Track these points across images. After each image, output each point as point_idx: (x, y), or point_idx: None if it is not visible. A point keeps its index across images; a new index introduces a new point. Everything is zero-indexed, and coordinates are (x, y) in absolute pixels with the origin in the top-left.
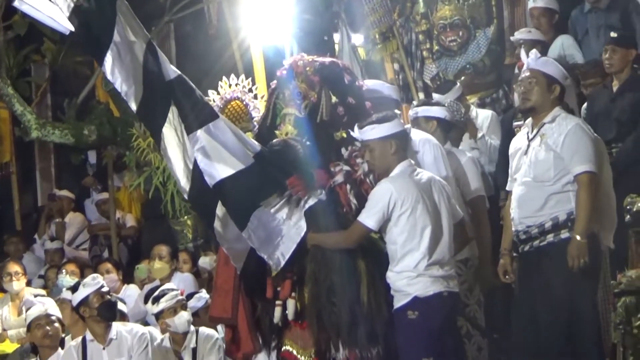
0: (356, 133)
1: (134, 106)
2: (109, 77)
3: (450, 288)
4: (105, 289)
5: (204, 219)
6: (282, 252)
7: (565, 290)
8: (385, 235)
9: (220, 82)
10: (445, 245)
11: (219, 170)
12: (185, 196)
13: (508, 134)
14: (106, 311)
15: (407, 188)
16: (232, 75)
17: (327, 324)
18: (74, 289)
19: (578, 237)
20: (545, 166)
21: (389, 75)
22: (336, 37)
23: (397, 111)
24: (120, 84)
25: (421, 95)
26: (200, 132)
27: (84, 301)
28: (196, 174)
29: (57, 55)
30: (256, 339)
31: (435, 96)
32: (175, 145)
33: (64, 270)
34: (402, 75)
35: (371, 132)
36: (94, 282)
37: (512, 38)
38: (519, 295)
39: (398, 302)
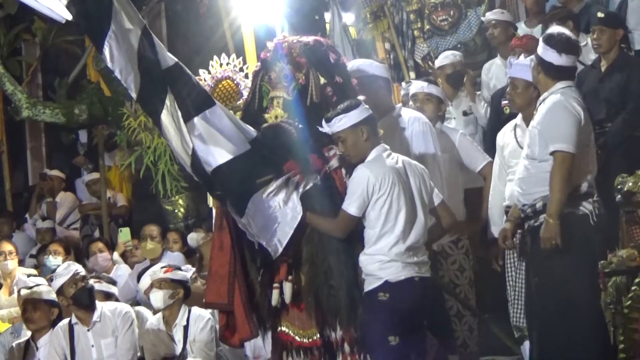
0: (325, 127)
1: (134, 94)
2: (109, 64)
3: (421, 273)
4: (80, 276)
5: (215, 197)
6: (280, 239)
7: (558, 270)
8: (364, 221)
9: (211, 62)
10: (420, 230)
11: (216, 156)
12: (196, 178)
13: (497, 112)
14: (80, 299)
15: (384, 172)
16: (223, 55)
17: (324, 307)
18: (50, 279)
19: (550, 220)
20: (533, 144)
21: (380, 55)
22: (327, 16)
23: (360, 97)
24: (119, 72)
25: (412, 75)
26: (197, 120)
27: (60, 291)
28: (195, 160)
29: (48, 34)
30: (253, 323)
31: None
32: (173, 132)
33: (49, 252)
34: (393, 55)
35: (340, 123)
36: (66, 272)
37: (483, 19)
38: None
39: (369, 285)
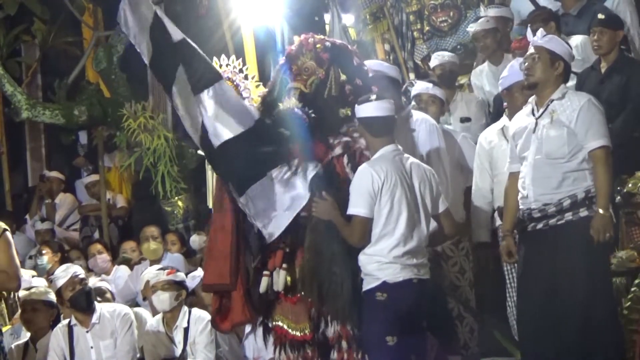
0: (357, 111)
1: (146, 59)
2: (124, 29)
3: (420, 275)
4: (78, 278)
5: (219, 172)
6: (278, 225)
7: (585, 268)
8: None
9: None
10: (421, 234)
11: (223, 131)
12: (203, 152)
13: (498, 114)
14: (78, 303)
15: (386, 170)
16: (223, 56)
17: (325, 296)
18: (49, 280)
19: (602, 211)
20: (559, 143)
21: (380, 56)
22: (327, 17)
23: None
24: (134, 37)
25: (412, 76)
26: (204, 94)
27: (58, 293)
28: (204, 132)
29: (48, 35)
30: (249, 308)
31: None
32: (184, 103)
33: (39, 253)
34: (392, 56)
35: (360, 111)
36: (64, 274)
37: (470, 30)
38: (527, 272)
39: (368, 285)
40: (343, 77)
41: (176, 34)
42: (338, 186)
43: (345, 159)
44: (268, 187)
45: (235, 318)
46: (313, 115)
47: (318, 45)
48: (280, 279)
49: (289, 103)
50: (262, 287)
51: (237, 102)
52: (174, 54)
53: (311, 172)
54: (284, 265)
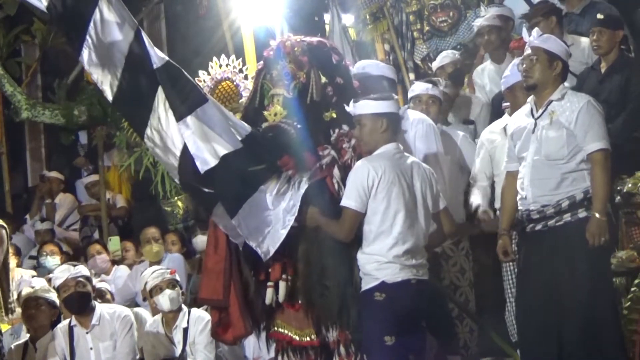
0: (350, 107)
1: (109, 96)
2: (86, 67)
3: (419, 276)
4: (75, 280)
5: (199, 201)
6: (272, 242)
7: (584, 269)
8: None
9: (210, 63)
10: (420, 234)
11: (211, 155)
12: (176, 180)
13: (498, 115)
14: (70, 305)
15: (384, 168)
16: (223, 56)
17: (318, 306)
18: (48, 279)
19: (598, 215)
20: (558, 144)
21: (380, 56)
22: (327, 17)
23: (394, 95)
24: (97, 77)
25: (412, 76)
26: (189, 118)
27: (58, 291)
28: (185, 160)
29: (47, 35)
30: (248, 321)
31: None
32: (158, 135)
33: (44, 253)
34: (392, 56)
35: (365, 107)
36: (62, 275)
37: (475, 24)
38: (526, 274)
39: (366, 285)
40: (323, 79)
41: (157, 58)
42: (330, 200)
43: (335, 169)
44: (259, 202)
45: (236, 332)
46: (299, 126)
47: (296, 49)
48: (282, 290)
49: (274, 110)
50: (268, 298)
51: (224, 123)
52: (153, 81)
53: (304, 185)
54: (284, 276)
